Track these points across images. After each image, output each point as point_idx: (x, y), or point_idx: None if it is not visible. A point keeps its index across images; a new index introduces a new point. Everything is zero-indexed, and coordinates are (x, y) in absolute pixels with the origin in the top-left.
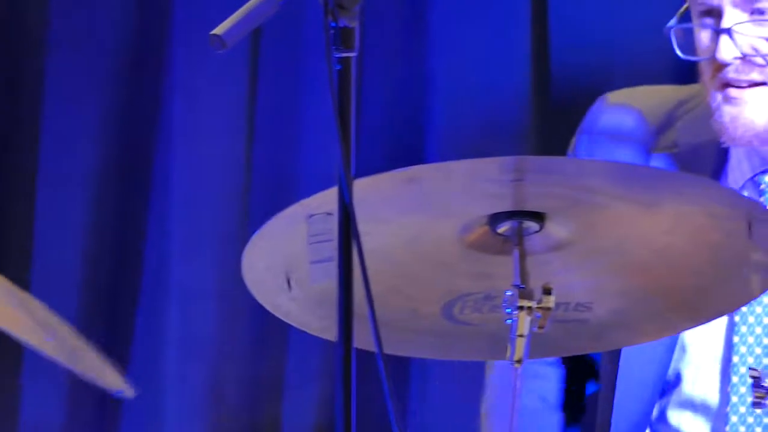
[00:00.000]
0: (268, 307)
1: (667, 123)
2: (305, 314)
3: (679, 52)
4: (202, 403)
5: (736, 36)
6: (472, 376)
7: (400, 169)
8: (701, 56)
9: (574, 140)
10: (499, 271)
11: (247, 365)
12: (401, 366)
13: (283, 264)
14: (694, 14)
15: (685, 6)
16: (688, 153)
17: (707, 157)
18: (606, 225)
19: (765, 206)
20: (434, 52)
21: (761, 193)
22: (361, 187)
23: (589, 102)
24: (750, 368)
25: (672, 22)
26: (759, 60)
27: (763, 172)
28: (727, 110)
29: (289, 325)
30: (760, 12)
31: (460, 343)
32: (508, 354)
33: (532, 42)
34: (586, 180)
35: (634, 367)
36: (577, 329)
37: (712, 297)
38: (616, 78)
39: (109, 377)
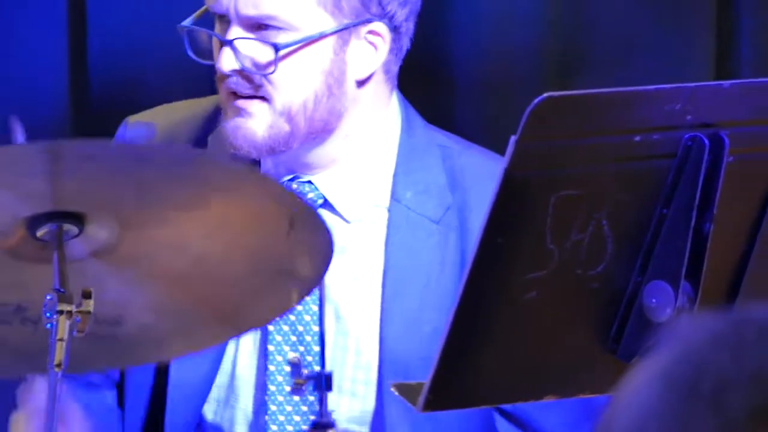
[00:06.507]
0: None
1: (198, 137)
2: None
3: (190, 52)
4: None
5: (237, 50)
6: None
7: None
8: (210, 61)
9: None
10: (35, 280)
11: None
12: None
13: None
14: (214, 16)
15: (204, 7)
16: None
17: None
18: (148, 227)
19: (308, 202)
20: None
21: None
22: None
23: (129, 105)
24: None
25: (188, 21)
26: (258, 77)
27: (290, 180)
28: (232, 120)
29: None
30: (266, 30)
31: None
32: (48, 359)
33: (69, 45)
34: (132, 170)
35: (186, 365)
36: (106, 345)
37: (249, 308)
38: (152, 80)
39: None
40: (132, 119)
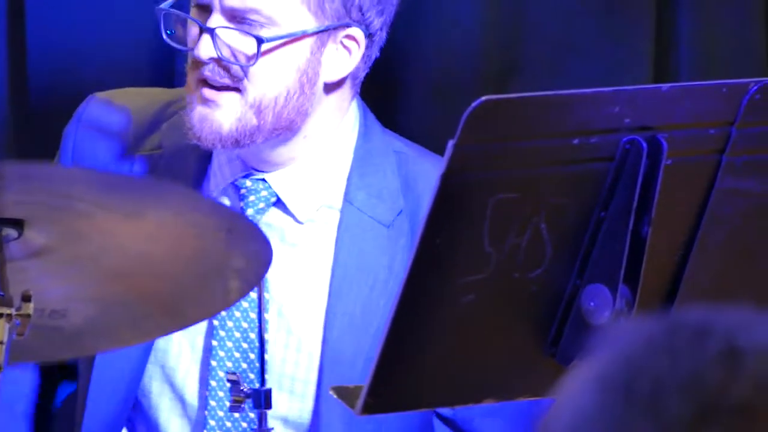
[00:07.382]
0: None
1: (154, 124)
2: None
3: (165, 36)
4: None
5: (218, 38)
6: None
7: None
8: (186, 47)
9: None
10: None
11: None
12: None
13: None
14: (192, 3)
15: None
16: (173, 155)
17: (190, 159)
18: (87, 233)
19: (244, 214)
20: None
21: (242, 197)
22: None
23: (68, 107)
24: (228, 372)
25: (166, 3)
26: (235, 67)
27: (244, 177)
28: (199, 109)
29: None
30: (248, 23)
31: None
32: None
33: (8, 46)
34: (67, 188)
35: (109, 364)
36: (51, 336)
37: (191, 303)
38: (92, 81)
39: None
40: (98, 96)
